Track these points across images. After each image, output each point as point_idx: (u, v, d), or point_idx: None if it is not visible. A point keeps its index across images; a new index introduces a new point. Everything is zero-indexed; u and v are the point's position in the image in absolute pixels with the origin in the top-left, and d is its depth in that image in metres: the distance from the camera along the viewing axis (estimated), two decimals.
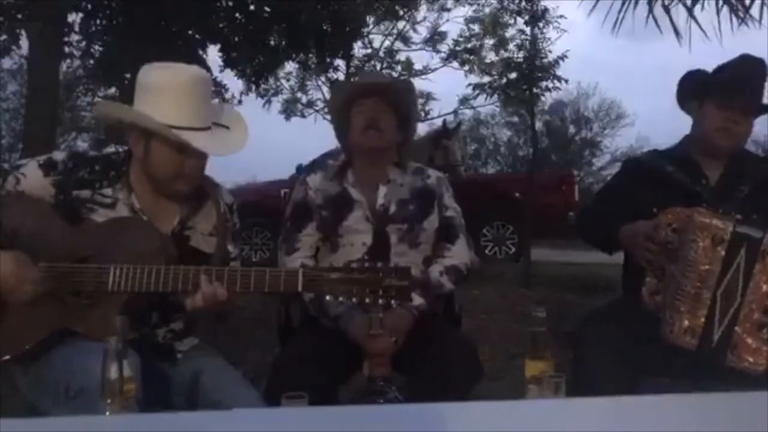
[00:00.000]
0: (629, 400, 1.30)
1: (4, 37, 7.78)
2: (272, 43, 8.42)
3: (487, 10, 14.92)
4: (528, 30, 7.36)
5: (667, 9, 4.33)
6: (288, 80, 17.25)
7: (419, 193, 2.16)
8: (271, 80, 14.65)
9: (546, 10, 7.38)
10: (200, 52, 7.88)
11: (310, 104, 17.99)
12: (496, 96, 8.59)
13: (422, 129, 9.33)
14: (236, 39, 7.97)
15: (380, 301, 1.57)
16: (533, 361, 1.40)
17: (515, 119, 21.78)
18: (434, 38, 17.52)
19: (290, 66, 13.61)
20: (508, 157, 23.37)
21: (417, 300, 1.99)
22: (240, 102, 10.19)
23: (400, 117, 2.15)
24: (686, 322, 1.85)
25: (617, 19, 4.34)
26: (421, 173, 2.22)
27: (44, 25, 6.21)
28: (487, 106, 16.07)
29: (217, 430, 1.16)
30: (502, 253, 8.17)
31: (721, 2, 4.22)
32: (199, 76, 1.74)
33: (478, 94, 8.79)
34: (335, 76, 12.17)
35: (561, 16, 7.77)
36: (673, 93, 2.20)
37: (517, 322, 4.36)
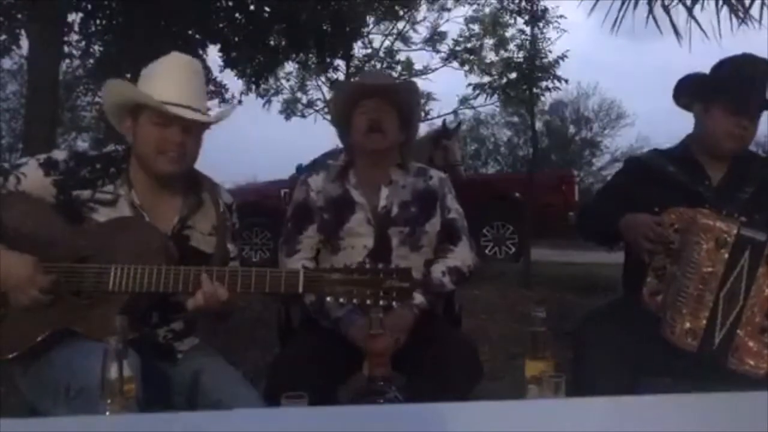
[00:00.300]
0: (629, 400, 1.30)
1: (4, 37, 7.79)
2: (272, 43, 8.43)
3: (487, 10, 14.92)
4: (528, 30, 7.37)
5: (667, 9, 4.34)
6: (288, 80, 17.28)
7: (421, 194, 2.15)
8: (271, 80, 14.66)
9: (546, 10, 7.38)
10: (200, 52, 7.88)
11: (310, 104, 18.01)
12: (496, 96, 8.57)
13: (422, 129, 9.29)
14: (236, 39, 7.97)
15: (381, 303, 1.57)
16: (533, 361, 1.40)
17: (515, 119, 21.77)
18: (434, 38, 17.54)
19: (290, 66, 13.63)
20: (508, 157, 23.35)
21: (418, 299, 2.00)
22: (240, 102, 10.22)
23: (403, 118, 2.14)
24: (688, 324, 1.85)
25: (617, 19, 4.35)
26: (424, 174, 2.21)
27: (44, 25, 6.21)
28: (487, 106, 16.08)
29: (217, 430, 1.16)
30: (502, 253, 8.17)
31: (721, 2, 4.22)
32: (186, 61, 1.79)
33: (478, 94, 8.77)
34: (335, 76, 12.16)
35: (561, 16, 7.76)
36: None
37: (517, 322, 4.36)
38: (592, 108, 23.62)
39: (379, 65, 16.80)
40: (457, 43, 16.59)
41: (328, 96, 16.93)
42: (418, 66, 17.61)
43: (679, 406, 1.24)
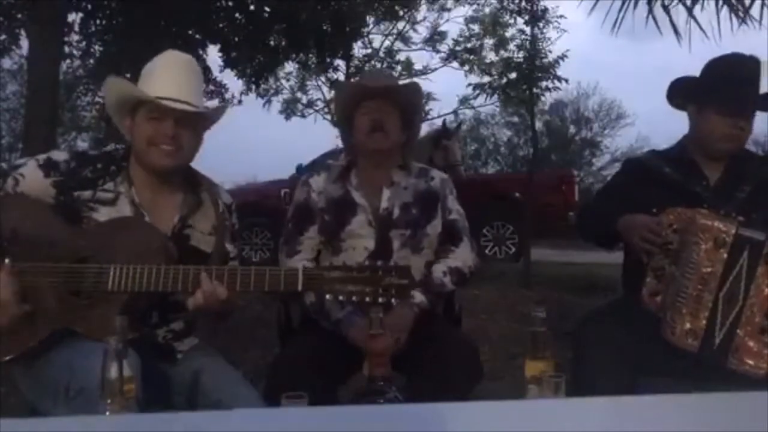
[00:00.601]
0: (629, 400, 1.30)
1: (4, 37, 7.79)
2: (272, 43, 8.43)
3: (487, 10, 14.94)
4: (528, 30, 7.35)
5: (667, 9, 4.33)
6: (288, 80, 17.29)
7: (423, 196, 2.15)
8: (271, 80, 14.67)
9: (546, 10, 7.37)
10: (200, 52, 7.88)
11: (310, 104, 18.03)
12: (496, 96, 8.56)
13: (422, 129, 9.30)
14: (236, 39, 7.98)
15: (380, 300, 1.57)
16: (533, 361, 1.40)
17: (515, 119, 21.78)
18: (434, 38, 17.56)
19: (290, 66, 13.65)
20: (508, 157, 23.35)
21: (418, 298, 2.00)
22: (240, 102, 10.23)
23: (405, 118, 2.14)
24: (688, 324, 1.85)
25: (617, 19, 4.34)
26: (425, 175, 2.20)
27: (44, 25, 6.21)
28: (487, 106, 16.10)
29: (217, 430, 1.16)
30: (502, 253, 8.17)
31: (721, 2, 4.22)
32: (180, 58, 1.81)
33: (478, 94, 8.75)
34: (335, 76, 12.17)
35: (561, 16, 7.74)
36: None
37: (517, 322, 4.36)
38: (592, 108, 23.65)
39: (379, 65, 16.80)
40: (457, 43, 16.62)
41: (328, 96, 16.97)
42: (418, 66, 17.66)
43: (679, 406, 1.24)
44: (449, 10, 16.86)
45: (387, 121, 2.09)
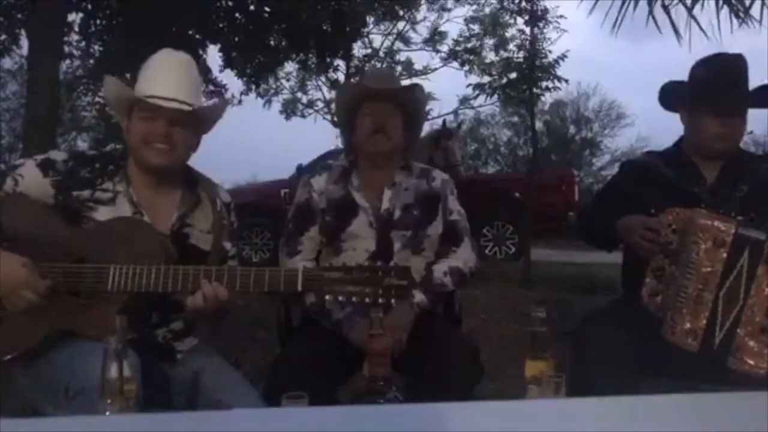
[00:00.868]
0: (629, 400, 1.30)
1: (4, 37, 7.79)
2: (272, 43, 8.42)
3: (487, 10, 14.96)
4: (528, 30, 7.36)
5: (667, 9, 4.33)
6: (288, 80, 17.28)
7: (424, 197, 2.14)
8: (271, 80, 14.67)
9: (546, 10, 7.38)
10: (200, 52, 7.88)
11: (310, 104, 18.02)
12: (496, 96, 8.56)
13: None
14: (236, 39, 7.97)
15: (380, 301, 1.57)
16: (533, 361, 1.40)
17: (515, 119, 21.79)
18: (434, 38, 17.54)
19: (290, 66, 13.62)
20: (508, 157, 23.36)
21: (418, 297, 2.00)
22: (240, 102, 10.23)
23: (407, 120, 2.14)
24: (688, 324, 1.85)
25: (617, 19, 4.34)
26: (427, 176, 2.20)
27: (44, 25, 6.20)
28: (487, 106, 16.10)
29: (217, 430, 1.16)
30: (502, 253, 8.18)
31: (721, 2, 4.22)
32: (174, 57, 1.81)
33: (478, 94, 8.76)
34: (335, 76, 12.17)
35: (561, 16, 7.75)
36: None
37: (517, 322, 4.36)
38: (592, 108, 23.68)
39: (379, 65, 16.79)
40: (457, 43, 16.61)
41: (328, 96, 16.97)
42: (418, 66, 17.64)
43: (679, 406, 1.24)
44: (449, 10, 16.88)
45: (389, 123, 2.09)
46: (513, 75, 7.76)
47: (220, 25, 8.01)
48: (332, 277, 1.59)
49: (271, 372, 1.91)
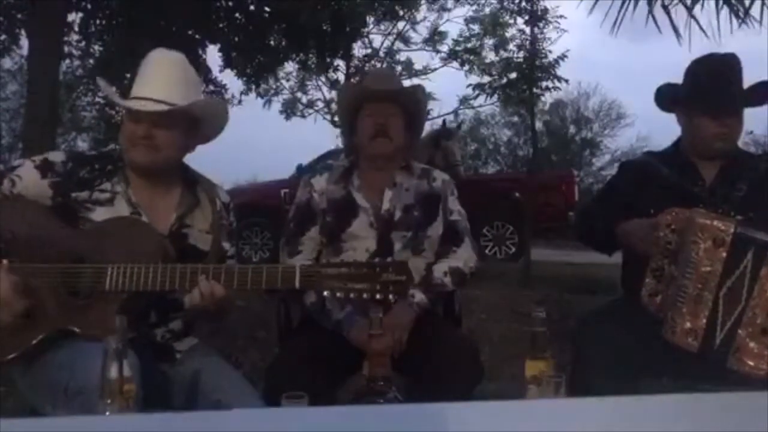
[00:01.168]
0: (629, 400, 1.30)
1: (4, 37, 7.79)
2: (272, 43, 8.43)
3: (487, 10, 14.91)
4: (528, 30, 7.37)
5: (667, 9, 4.33)
6: (288, 80, 17.24)
7: (424, 197, 2.14)
8: (271, 80, 14.65)
9: (546, 10, 7.38)
10: (200, 52, 7.88)
11: (310, 104, 17.98)
12: (496, 96, 8.56)
13: None
14: (236, 39, 7.97)
15: (378, 297, 1.56)
16: (533, 361, 1.40)
17: (515, 119, 21.78)
18: (434, 38, 17.50)
19: (290, 66, 13.60)
20: (508, 157, 23.36)
21: (418, 296, 2.00)
22: (240, 102, 10.22)
23: (409, 122, 2.14)
24: (688, 324, 1.85)
25: (617, 19, 4.34)
26: (427, 176, 2.20)
27: (44, 25, 6.20)
28: (487, 106, 16.06)
29: (217, 430, 1.16)
30: (502, 253, 8.18)
31: (721, 2, 4.22)
32: (165, 57, 1.81)
33: (478, 94, 8.75)
34: (335, 76, 12.16)
35: (561, 16, 7.73)
36: None
37: (517, 322, 4.36)
38: (592, 108, 23.67)
39: (379, 65, 16.78)
40: (457, 43, 16.57)
41: (328, 96, 16.96)
42: (418, 66, 17.60)
43: (679, 406, 1.24)
44: (449, 10, 16.84)
45: (391, 125, 2.09)
46: (513, 75, 7.77)
47: (220, 25, 8.02)
48: (330, 274, 1.59)
49: (271, 372, 1.91)
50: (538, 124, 13.85)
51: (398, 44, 17.62)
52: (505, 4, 8.63)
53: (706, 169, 2.09)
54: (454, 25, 17.07)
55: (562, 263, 7.75)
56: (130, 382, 1.20)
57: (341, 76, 14.02)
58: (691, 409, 1.23)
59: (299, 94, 17.95)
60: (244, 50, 8.06)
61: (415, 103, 2.16)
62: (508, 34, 12.42)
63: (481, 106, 16.33)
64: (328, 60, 9.42)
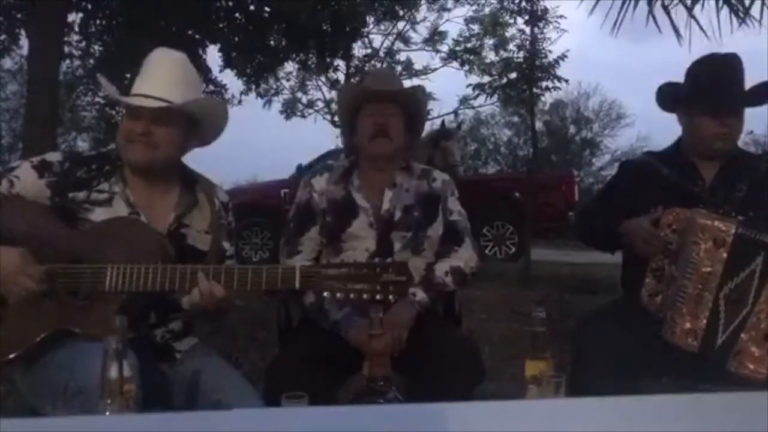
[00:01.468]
0: (629, 400, 1.30)
1: (4, 37, 7.80)
2: (272, 43, 8.43)
3: (487, 10, 14.90)
4: (528, 30, 7.37)
5: (667, 9, 4.33)
6: (288, 80, 17.23)
7: (424, 198, 2.14)
8: (271, 80, 14.64)
9: (546, 10, 7.38)
10: (200, 52, 7.88)
11: (310, 104, 17.96)
12: (496, 96, 8.56)
13: None
14: (236, 39, 7.97)
15: (378, 297, 1.56)
16: (533, 361, 1.40)
17: (515, 119, 21.79)
18: (434, 38, 17.50)
19: (290, 66, 13.59)
20: (508, 157, 23.36)
21: (419, 295, 2.00)
22: (240, 102, 10.22)
23: (409, 122, 2.14)
24: (688, 324, 1.85)
25: (617, 19, 4.34)
26: (427, 176, 2.19)
27: (44, 25, 6.21)
28: (487, 106, 16.06)
29: (217, 430, 1.16)
30: (502, 253, 8.18)
31: (721, 2, 4.22)
32: (166, 55, 1.81)
33: (478, 94, 8.76)
34: (335, 76, 12.16)
35: (561, 16, 7.73)
36: None
37: (517, 322, 4.36)
38: (592, 108, 23.68)
39: (379, 65, 16.77)
40: (457, 43, 16.56)
41: (328, 96, 16.95)
42: (418, 66, 17.59)
43: (679, 406, 1.24)
44: (449, 10, 16.83)
45: (391, 126, 2.08)
46: (513, 75, 7.77)
47: (220, 25, 8.02)
48: (330, 274, 1.59)
49: (271, 372, 1.91)
50: (538, 124, 13.88)
51: (398, 44, 17.62)
52: (505, 4, 8.64)
53: (706, 169, 2.09)
54: (454, 25, 17.07)
55: (562, 263, 7.75)
56: (130, 382, 1.20)
57: (341, 76, 14.03)
58: (691, 409, 1.23)
59: (299, 94, 17.95)
60: (244, 50, 8.07)
61: (415, 103, 2.16)
62: (508, 34, 12.43)
63: (481, 106, 16.35)
64: (328, 60, 9.42)
